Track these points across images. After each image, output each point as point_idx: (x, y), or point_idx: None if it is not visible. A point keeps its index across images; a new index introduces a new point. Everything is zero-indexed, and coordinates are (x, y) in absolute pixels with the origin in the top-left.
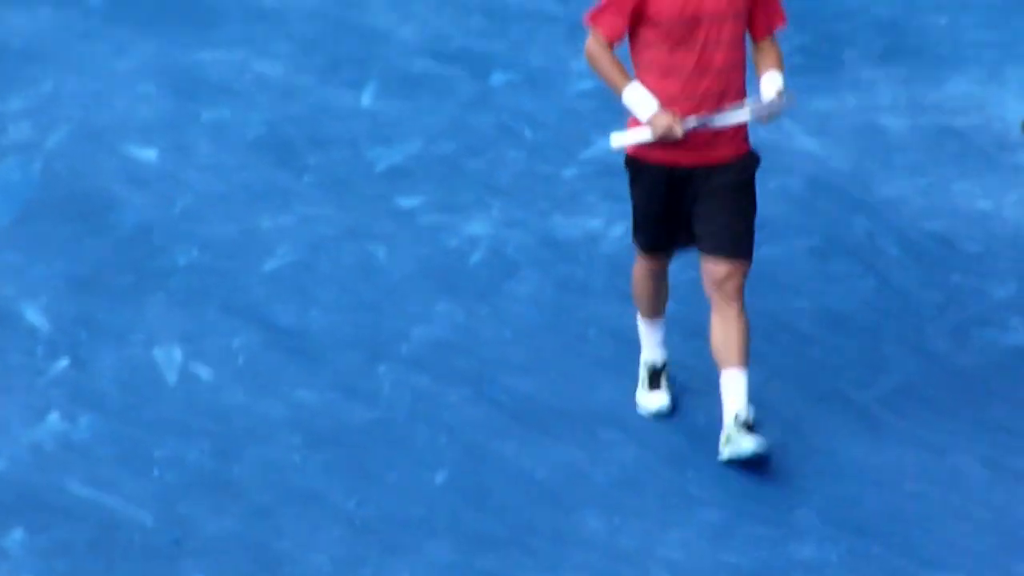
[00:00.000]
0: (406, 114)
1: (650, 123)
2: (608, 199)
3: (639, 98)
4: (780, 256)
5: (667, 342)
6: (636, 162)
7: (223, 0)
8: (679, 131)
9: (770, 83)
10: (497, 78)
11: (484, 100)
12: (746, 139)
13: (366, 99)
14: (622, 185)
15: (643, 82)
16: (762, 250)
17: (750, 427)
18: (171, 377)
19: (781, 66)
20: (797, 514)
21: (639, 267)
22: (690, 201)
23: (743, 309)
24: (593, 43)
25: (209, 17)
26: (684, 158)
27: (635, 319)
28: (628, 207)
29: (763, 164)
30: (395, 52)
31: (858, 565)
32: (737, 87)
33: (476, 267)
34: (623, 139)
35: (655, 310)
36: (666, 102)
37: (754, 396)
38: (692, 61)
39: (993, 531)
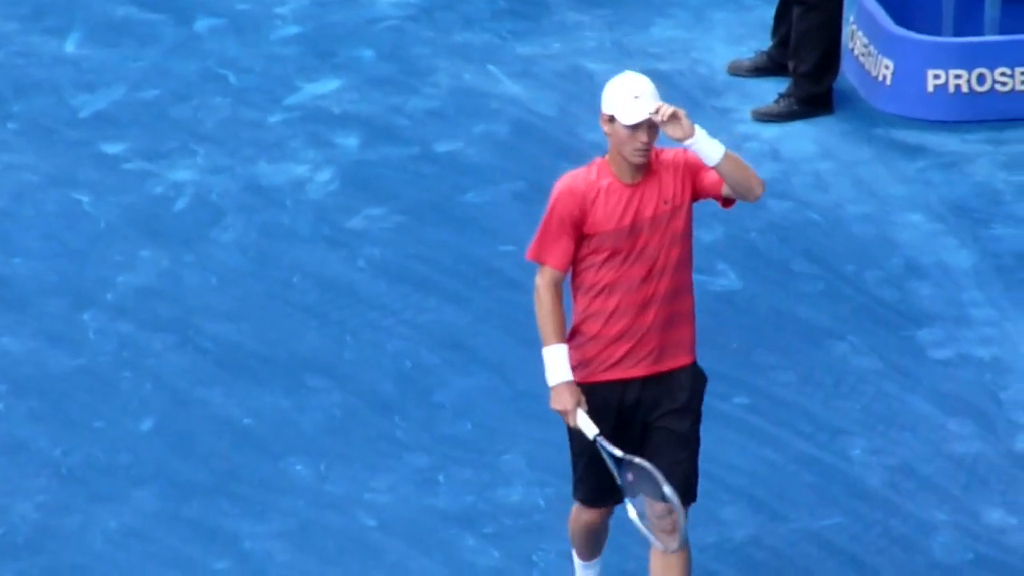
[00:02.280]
0: (110, 61)
1: (552, 393)
2: (314, 145)
3: (554, 361)
4: (486, 201)
5: None
6: (581, 388)
7: None
8: (571, 420)
9: None
10: (201, 24)
11: (188, 46)
12: (693, 347)
13: (70, 46)
14: (328, 131)
15: (585, 307)
16: (468, 195)
17: None
18: None
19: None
20: (504, 459)
21: (577, 519)
22: (639, 429)
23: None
24: (540, 281)
25: None
26: (634, 371)
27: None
28: (335, 153)
29: (468, 109)
30: None
31: (565, 509)
32: (683, 283)
33: (181, 214)
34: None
35: (591, 554)
36: (612, 319)
37: (459, 340)
38: (638, 273)
39: (702, 476)
